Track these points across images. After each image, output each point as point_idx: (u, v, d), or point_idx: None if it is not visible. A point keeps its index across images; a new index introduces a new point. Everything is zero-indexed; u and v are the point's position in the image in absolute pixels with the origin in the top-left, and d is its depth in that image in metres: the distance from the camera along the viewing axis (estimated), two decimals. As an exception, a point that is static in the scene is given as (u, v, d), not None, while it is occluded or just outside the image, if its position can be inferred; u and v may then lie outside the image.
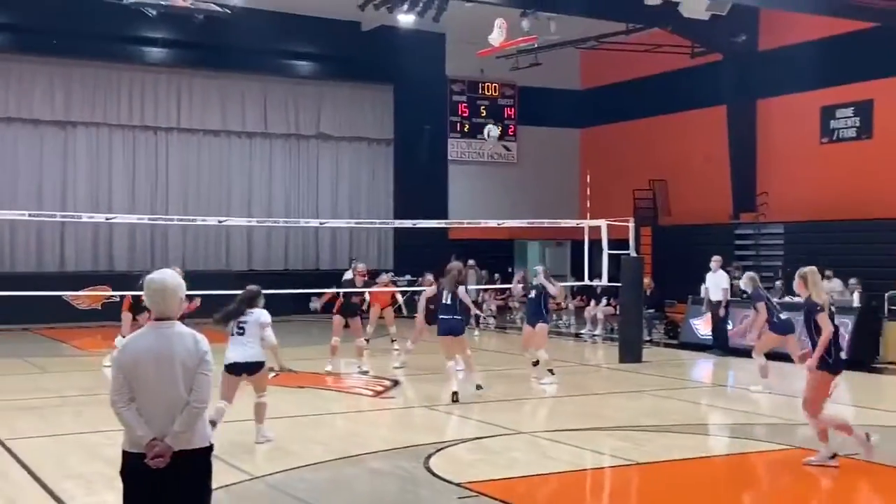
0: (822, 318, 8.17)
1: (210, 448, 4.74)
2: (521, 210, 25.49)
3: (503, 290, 23.73)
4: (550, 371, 13.18)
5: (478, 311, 19.04)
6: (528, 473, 8.28)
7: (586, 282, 17.60)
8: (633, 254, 16.49)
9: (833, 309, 8.48)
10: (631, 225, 16.41)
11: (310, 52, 26.04)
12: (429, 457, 8.64)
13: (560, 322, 22.89)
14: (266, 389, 9.50)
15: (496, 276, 24.78)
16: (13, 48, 23.01)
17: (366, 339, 15.02)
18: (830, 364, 8.23)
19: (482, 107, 28.38)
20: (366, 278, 15.24)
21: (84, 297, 21.49)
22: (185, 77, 25.07)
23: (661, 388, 13.12)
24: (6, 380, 13.84)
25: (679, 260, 22.43)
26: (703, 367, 16.22)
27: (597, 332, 20.65)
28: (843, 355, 8.60)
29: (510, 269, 25.48)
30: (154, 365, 4.60)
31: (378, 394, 12.37)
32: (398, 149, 27.52)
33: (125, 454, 4.64)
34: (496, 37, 20.65)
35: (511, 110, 28.77)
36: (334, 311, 14.44)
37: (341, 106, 26.90)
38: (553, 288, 13.48)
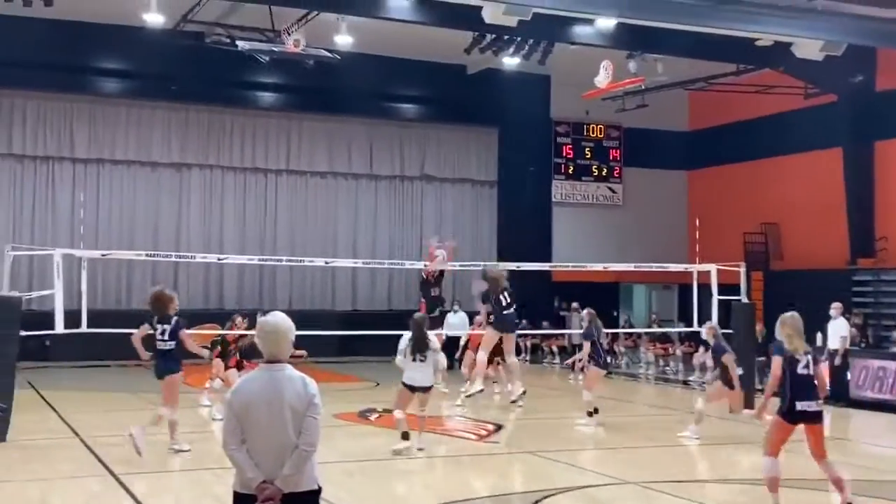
0: (775, 361, 8.26)
1: (318, 491, 4.77)
2: (626, 253, 25.14)
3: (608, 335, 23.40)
4: (590, 413, 13.33)
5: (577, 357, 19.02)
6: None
7: (695, 327, 17.18)
8: (745, 299, 16.05)
9: (809, 357, 8.32)
10: (742, 269, 15.98)
11: (415, 95, 26.43)
12: (534, 504, 8.52)
13: (667, 368, 22.48)
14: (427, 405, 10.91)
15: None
16: (134, 94, 24.03)
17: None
18: (785, 412, 8.23)
19: (587, 148, 28.25)
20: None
21: (194, 335, 22.03)
22: (295, 121, 25.72)
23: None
24: (120, 415, 14.26)
25: (792, 306, 21.69)
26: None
27: (705, 379, 20.12)
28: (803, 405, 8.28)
29: (615, 313, 25.07)
30: (265, 408, 4.65)
31: (482, 438, 12.28)
32: (502, 191, 27.57)
33: (236, 495, 4.71)
34: (602, 79, 20.60)
35: (616, 152, 28.55)
36: None
37: (446, 148, 27.15)
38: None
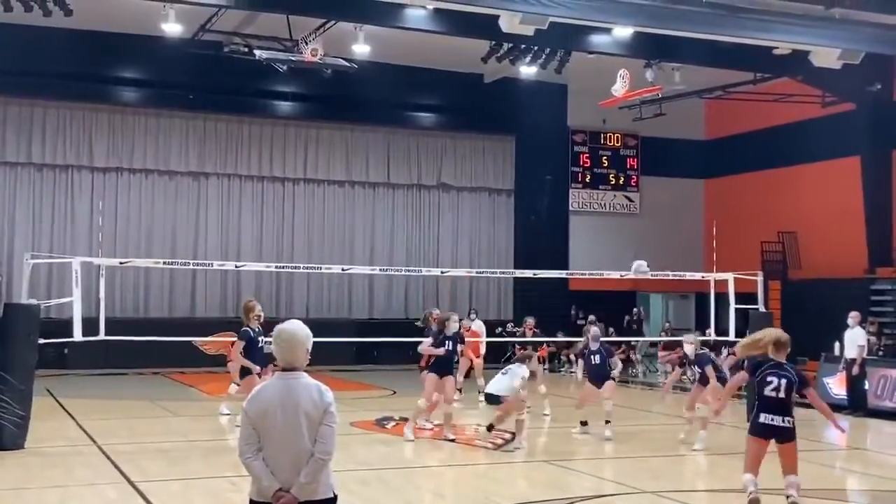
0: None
1: (334, 499, 4.77)
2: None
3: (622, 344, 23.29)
4: (583, 423, 13.30)
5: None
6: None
7: (710, 336, 17.12)
8: (762, 308, 15.95)
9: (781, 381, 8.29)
10: (759, 278, 15.90)
11: (432, 104, 26.48)
12: (550, 514, 8.49)
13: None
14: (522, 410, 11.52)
15: (610, 330, 23.99)
16: (152, 103, 24.18)
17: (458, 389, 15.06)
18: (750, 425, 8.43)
19: (604, 157, 28.21)
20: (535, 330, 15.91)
21: (212, 343, 22.12)
22: (312, 129, 25.81)
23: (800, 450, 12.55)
24: (138, 422, 14.33)
25: (810, 315, 21.62)
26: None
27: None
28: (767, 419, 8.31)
29: (633, 322, 24.92)
30: (281, 416, 4.66)
31: (499, 447, 12.25)
32: (519, 199, 27.57)
33: (252, 503, 4.71)
34: (619, 87, 20.60)
35: (633, 160, 28.50)
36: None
37: (463, 157, 27.18)
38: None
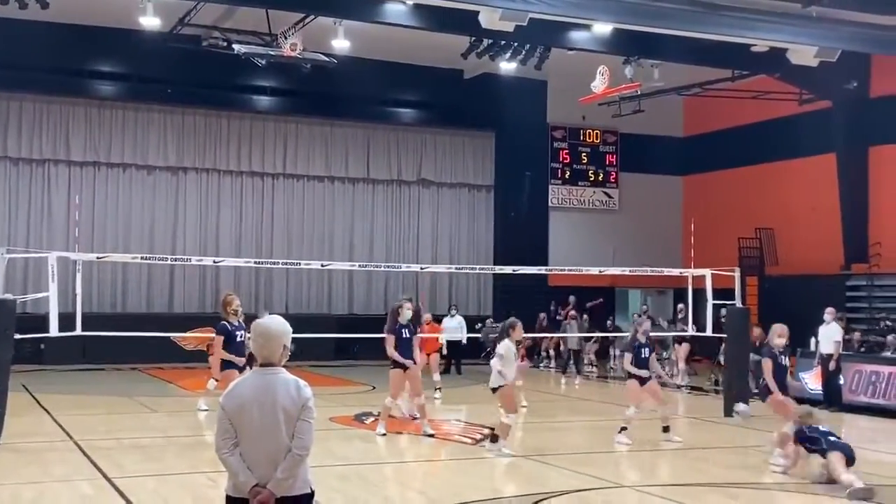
0: None
1: (311, 494, 4.72)
2: (622, 257, 25.17)
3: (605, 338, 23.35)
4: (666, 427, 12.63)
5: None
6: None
7: (690, 331, 17.19)
8: (739, 304, 16.03)
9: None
10: (736, 274, 15.98)
11: (413, 99, 26.43)
12: (528, 509, 8.48)
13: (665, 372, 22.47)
14: (513, 410, 11.08)
15: (584, 316, 23.81)
16: (130, 97, 24.00)
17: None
18: None
19: (583, 153, 28.26)
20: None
21: (190, 339, 22.02)
22: (292, 124, 25.70)
23: (768, 443, 12.63)
24: (115, 418, 14.23)
25: (786, 311, 21.69)
26: (814, 423, 15.55)
27: (682, 382, 19.97)
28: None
29: (610, 319, 24.95)
30: (258, 411, 4.61)
31: (477, 442, 12.24)
32: (498, 195, 27.58)
33: (228, 499, 4.66)
34: (598, 84, 20.64)
35: (612, 157, 28.57)
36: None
37: (443, 152, 27.16)
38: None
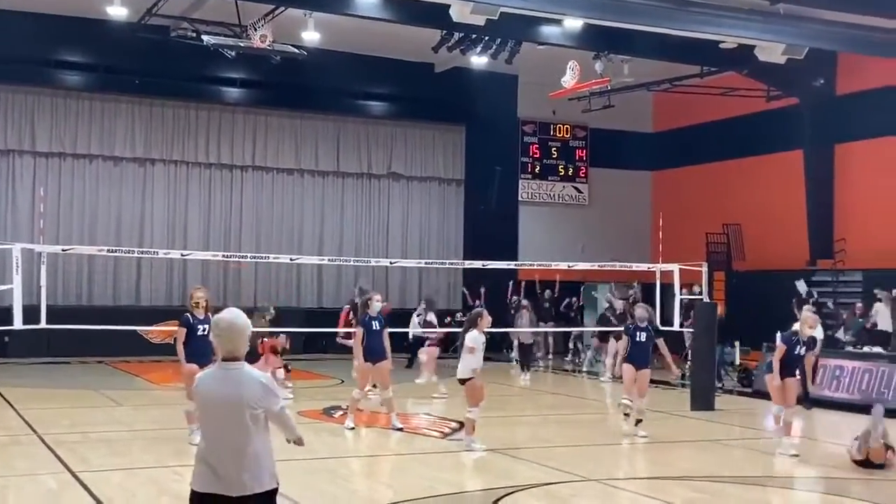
0: None
1: (276, 490, 4.70)
2: (591, 252, 25.24)
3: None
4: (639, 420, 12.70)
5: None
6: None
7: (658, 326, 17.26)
8: (706, 298, 16.17)
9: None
10: (704, 269, 16.12)
11: (383, 92, 26.32)
12: (496, 502, 8.50)
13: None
14: (475, 404, 10.93)
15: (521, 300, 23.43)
16: (97, 88, 23.68)
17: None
18: None
19: (553, 148, 28.31)
20: None
21: (157, 332, 21.84)
22: (261, 116, 25.52)
23: (734, 437, 12.76)
24: (81, 412, 14.09)
25: (753, 306, 21.93)
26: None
27: (605, 378, 19.53)
28: None
29: (571, 309, 24.91)
30: (223, 408, 4.57)
31: (445, 436, 12.25)
32: (469, 189, 27.57)
33: (193, 494, 4.62)
34: (568, 79, 20.68)
35: (582, 152, 28.64)
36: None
37: (413, 146, 27.10)
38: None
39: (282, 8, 18.58)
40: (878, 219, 22.08)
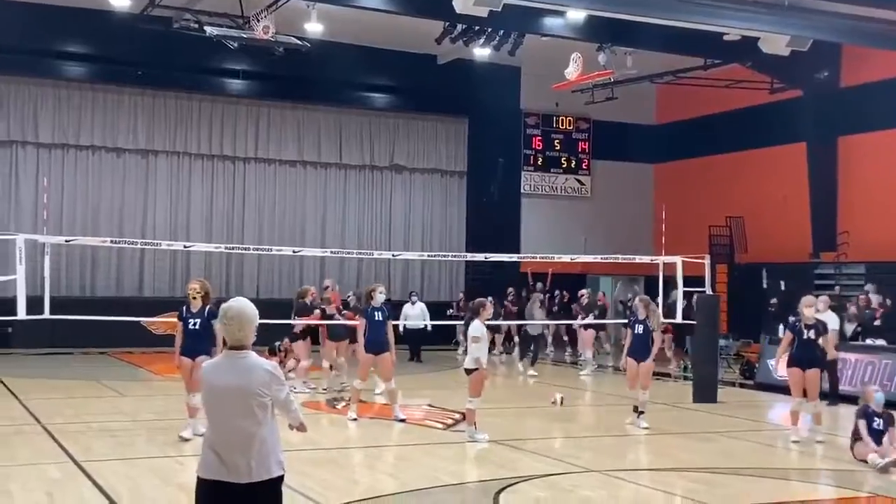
0: None
1: (282, 477, 4.75)
2: (594, 245, 25.30)
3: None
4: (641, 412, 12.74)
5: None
6: (600, 513, 8.12)
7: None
8: (709, 291, 16.20)
9: None
10: (707, 262, 16.15)
11: (386, 84, 26.34)
12: (498, 493, 8.55)
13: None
14: (477, 394, 10.99)
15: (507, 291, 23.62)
16: (100, 79, 23.73)
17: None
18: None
19: (556, 140, 28.34)
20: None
21: (160, 323, 21.90)
22: (264, 108, 25.56)
23: (736, 429, 12.81)
24: (84, 402, 14.15)
25: (756, 299, 21.99)
26: (781, 409, 15.74)
27: (585, 372, 19.50)
28: None
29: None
30: (231, 396, 4.62)
31: (448, 426, 12.31)
32: (471, 181, 27.60)
33: (199, 480, 4.68)
34: (572, 70, 20.69)
35: (585, 144, 28.67)
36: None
37: (415, 138, 27.13)
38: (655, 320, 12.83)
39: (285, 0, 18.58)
40: (881, 211, 22.10)
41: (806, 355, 11.75)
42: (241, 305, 4.75)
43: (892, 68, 21.58)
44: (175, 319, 11.15)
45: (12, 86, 23.13)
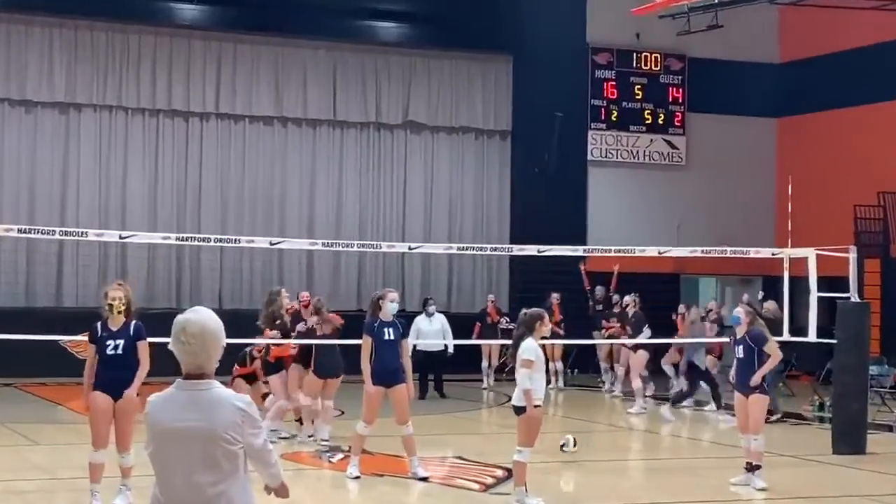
0: None
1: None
2: (690, 232, 25.19)
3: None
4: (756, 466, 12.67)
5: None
6: None
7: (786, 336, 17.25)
8: (855, 297, 16.09)
9: None
10: (852, 256, 16.03)
11: (397, 10, 26.39)
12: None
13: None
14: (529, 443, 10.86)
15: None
16: (1, 6, 23.90)
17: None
18: None
19: (637, 87, 28.25)
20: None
21: (85, 344, 22.04)
22: (228, 43, 25.67)
23: (892, 493, 12.74)
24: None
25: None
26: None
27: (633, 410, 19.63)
28: None
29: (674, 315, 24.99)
30: (184, 442, 4.61)
31: (488, 488, 12.32)
32: (517, 145, 27.61)
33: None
34: (659, -12, 20.62)
35: (678, 91, 28.57)
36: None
37: (439, 84, 27.14)
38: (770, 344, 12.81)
39: None
40: None
41: None
42: (203, 319, 4.73)
43: None
44: (86, 339, 10.86)
45: None
